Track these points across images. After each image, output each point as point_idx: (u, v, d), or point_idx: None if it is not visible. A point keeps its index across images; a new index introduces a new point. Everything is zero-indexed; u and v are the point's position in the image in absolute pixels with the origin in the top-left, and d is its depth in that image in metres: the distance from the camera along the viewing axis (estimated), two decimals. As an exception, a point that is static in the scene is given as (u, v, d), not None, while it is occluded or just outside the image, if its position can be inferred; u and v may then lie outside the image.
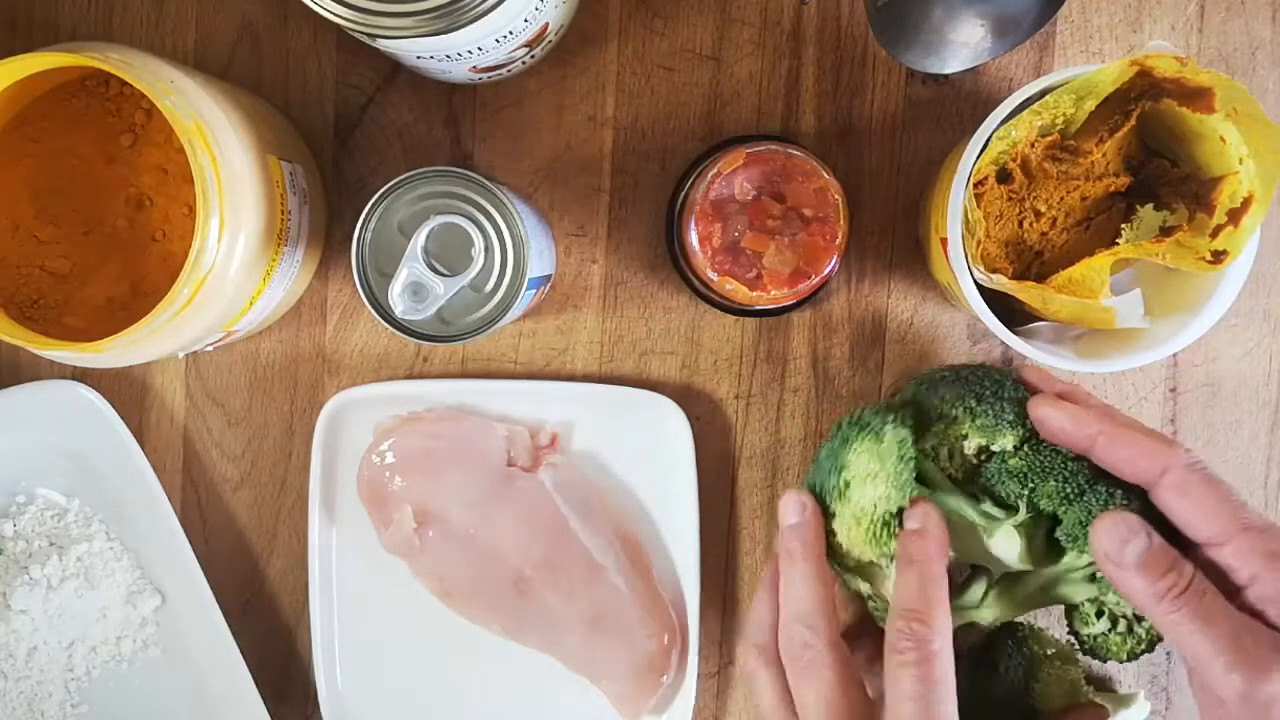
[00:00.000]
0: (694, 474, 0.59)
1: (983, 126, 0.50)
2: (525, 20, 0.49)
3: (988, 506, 0.52)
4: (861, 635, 0.52)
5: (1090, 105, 0.50)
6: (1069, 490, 0.49)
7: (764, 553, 0.61)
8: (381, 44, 0.49)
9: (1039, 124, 0.51)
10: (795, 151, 0.52)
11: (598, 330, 0.61)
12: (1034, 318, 0.54)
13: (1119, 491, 0.48)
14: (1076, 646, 0.53)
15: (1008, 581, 0.53)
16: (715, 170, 0.52)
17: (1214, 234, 0.49)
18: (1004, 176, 0.52)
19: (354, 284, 0.50)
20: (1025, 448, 0.51)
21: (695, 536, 0.59)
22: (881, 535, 0.50)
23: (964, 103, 0.59)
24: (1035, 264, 0.53)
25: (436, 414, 0.59)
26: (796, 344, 0.60)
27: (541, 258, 0.53)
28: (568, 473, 0.60)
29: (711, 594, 0.61)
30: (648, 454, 0.60)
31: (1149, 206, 0.53)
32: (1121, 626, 0.51)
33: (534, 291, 0.53)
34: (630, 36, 0.59)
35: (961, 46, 0.52)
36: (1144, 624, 0.51)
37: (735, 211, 0.52)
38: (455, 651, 0.61)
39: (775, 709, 0.51)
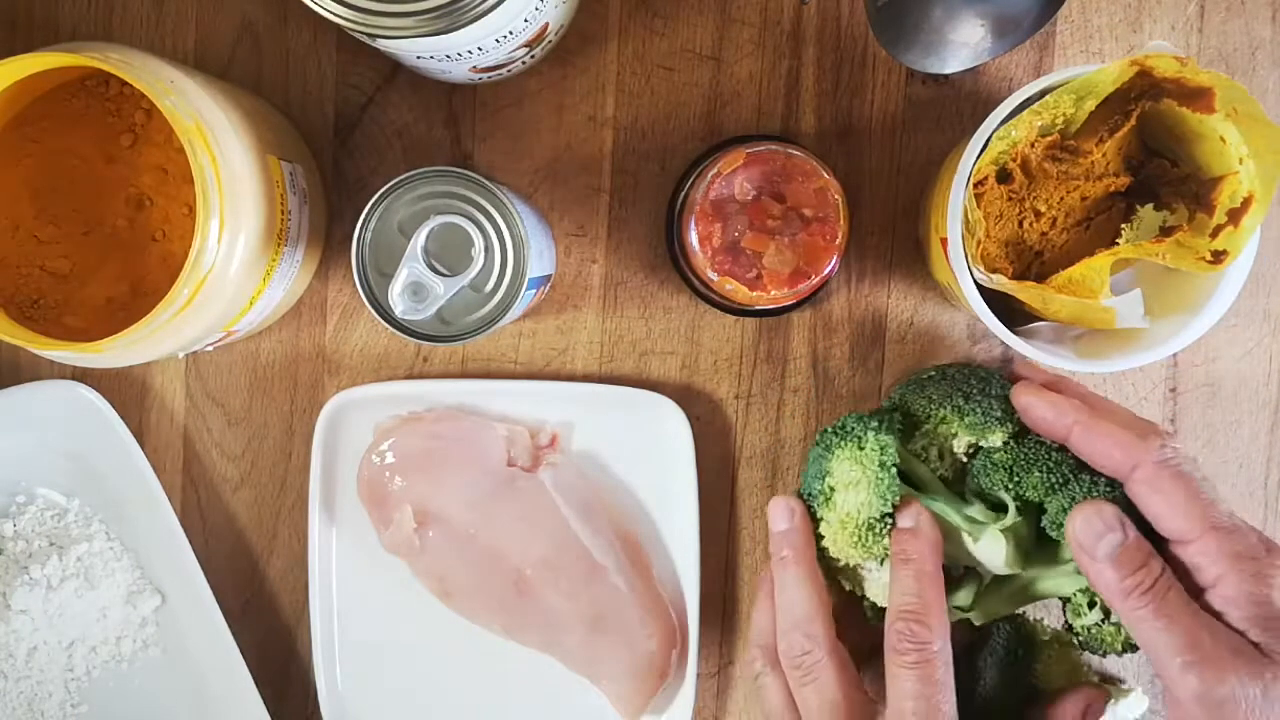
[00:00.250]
0: (694, 474, 0.59)
1: (983, 126, 0.50)
2: (525, 20, 0.49)
3: (974, 510, 0.52)
4: (848, 625, 0.53)
5: (1090, 105, 0.50)
6: (1053, 480, 0.49)
7: (764, 553, 0.61)
8: (381, 44, 0.49)
9: (1039, 124, 0.51)
10: (795, 151, 0.52)
11: (598, 330, 0.61)
12: (1034, 318, 0.54)
13: (1102, 480, 0.48)
14: (1074, 640, 0.53)
15: (998, 580, 0.53)
16: (715, 170, 0.52)
17: (1214, 234, 0.49)
18: (1004, 176, 0.52)
19: (354, 284, 0.50)
20: (1012, 442, 0.52)
21: (695, 536, 0.59)
22: (867, 539, 0.51)
23: (964, 103, 0.59)
24: (1035, 264, 0.53)
25: (436, 414, 0.59)
26: (796, 344, 0.60)
27: (541, 258, 0.53)
28: (568, 473, 0.60)
29: (711, 594, 0.61)
30: (648, 454, 0.60)
31: (1149, 206, 0.53)
32: (1115, 617, 0.51)
33: (534, 291, 0.53)
34: (630, 36, 0.59)
35: (961, 46, 0.52)
36: None
37: (735, 211, 0.52)
38: (455, 651, 0.61)
39: (782, 713, 0.51)
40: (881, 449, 0.51)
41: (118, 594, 0.59)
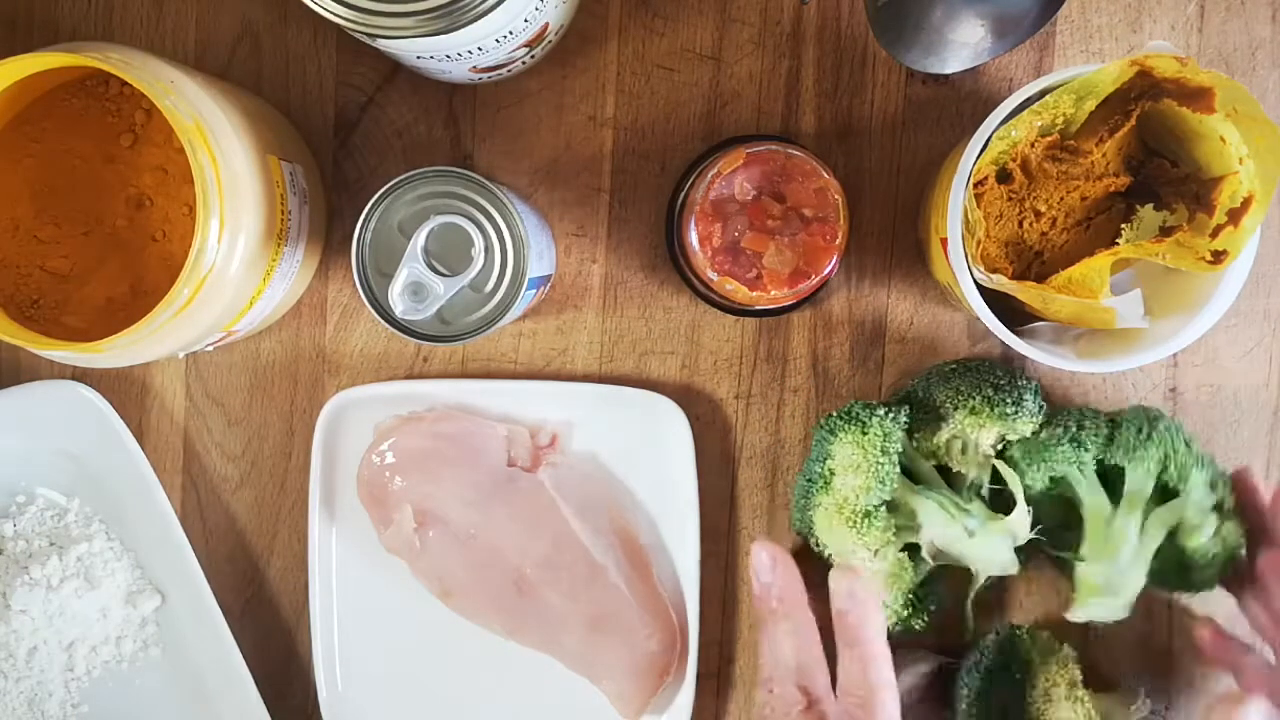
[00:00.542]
0: (694, 474, 0.59)
1: (983, 126, 0.50)
2: (525, 20, 0.49)
3: (974, 509, 0.52)
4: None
5: (1090, 105, 0.50)
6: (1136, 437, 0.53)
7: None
8: (381, 44, 0.49)
9: (1039, 124, 0.51)
10: (795, 151, 0.52)
11: (597, 330, 0.61)
12: (1034, 318, 0.54)
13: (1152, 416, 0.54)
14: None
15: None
16: (715, 170, 0.52)
17: (1214, 234, 0.49)
18: (1004, 176, 0.52)
19: (354, 284, 0.50)
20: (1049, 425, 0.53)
21: (695, 536, 0.59)
22: (862, 525, 0.51)
23: (964, 103, 0.59)
24: (1035, 264, 0.53)
25: (436, 414, 0.59)
26: (796, 344, 0.60)
27: (541, 258, 0.53)
28: (568, 473, 0.60)
29: (711, 594, 0.61)
30: (648, 454, 0.60)
31: (1149, 206, 0.53)
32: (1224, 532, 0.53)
33: (534, 291, 0.53)
34: (630, 36, 0.59)
35: (961, 46, 0.52)
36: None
37: (735, 211, 0.52)
38: (455, 651, 0.61)
39: None
40: (885, 435, 0.51)
41: (118, 594, 0.59)
